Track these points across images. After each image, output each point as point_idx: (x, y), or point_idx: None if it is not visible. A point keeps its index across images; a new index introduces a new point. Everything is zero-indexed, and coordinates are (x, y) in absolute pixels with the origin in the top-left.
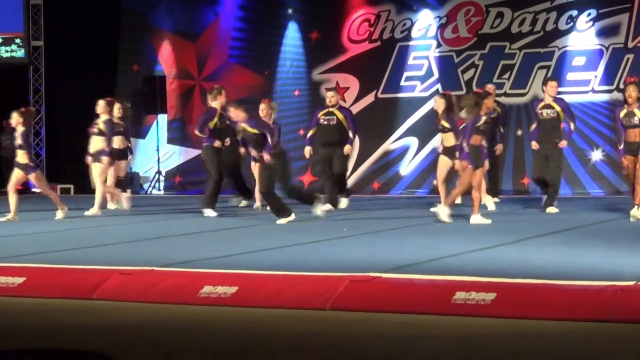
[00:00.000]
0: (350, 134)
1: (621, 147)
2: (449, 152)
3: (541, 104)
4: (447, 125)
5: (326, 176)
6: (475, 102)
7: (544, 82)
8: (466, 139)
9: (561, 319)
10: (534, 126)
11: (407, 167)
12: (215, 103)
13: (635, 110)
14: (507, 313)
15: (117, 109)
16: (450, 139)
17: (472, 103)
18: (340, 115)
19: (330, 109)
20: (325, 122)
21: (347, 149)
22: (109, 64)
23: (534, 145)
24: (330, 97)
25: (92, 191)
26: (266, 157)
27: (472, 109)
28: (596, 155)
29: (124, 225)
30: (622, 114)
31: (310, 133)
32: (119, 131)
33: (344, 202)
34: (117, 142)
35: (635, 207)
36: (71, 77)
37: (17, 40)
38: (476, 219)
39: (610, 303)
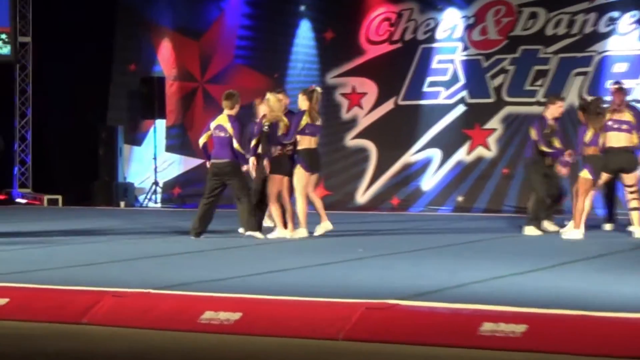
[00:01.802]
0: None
1: None
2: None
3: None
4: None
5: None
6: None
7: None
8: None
9: (599, 355)
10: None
11: (429, 182)
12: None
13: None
14: (540, 347)
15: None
16: (304, 142)
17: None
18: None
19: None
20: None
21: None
22: (103, 63)
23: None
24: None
25: (83, 203)
26: None
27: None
28: None
29: (117, 242)
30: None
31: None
32: None
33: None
34: None
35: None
36: (61, 77)
37: (3, 36)
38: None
39: None
